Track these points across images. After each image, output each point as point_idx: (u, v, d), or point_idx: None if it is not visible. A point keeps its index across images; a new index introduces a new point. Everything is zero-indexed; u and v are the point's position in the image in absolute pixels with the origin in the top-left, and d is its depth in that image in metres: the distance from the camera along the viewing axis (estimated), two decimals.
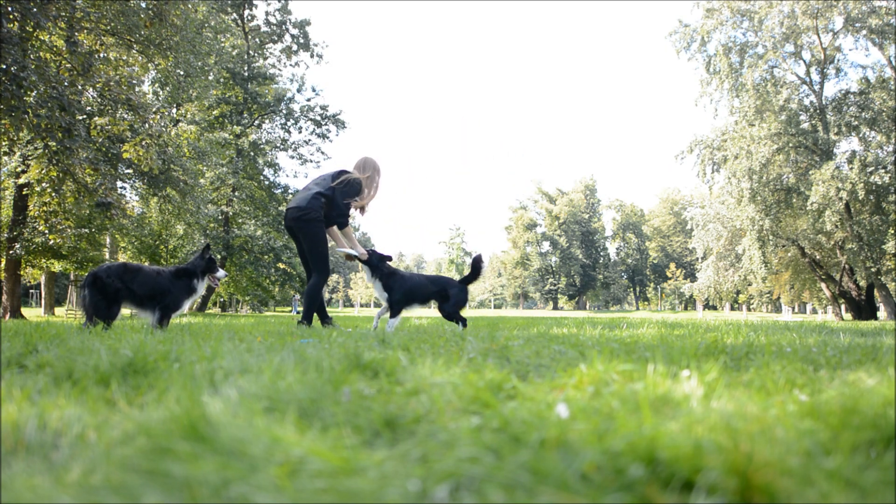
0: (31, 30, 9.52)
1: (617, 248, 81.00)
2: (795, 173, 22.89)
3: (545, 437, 0.98)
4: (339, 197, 5.34)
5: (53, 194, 12.69)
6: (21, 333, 3.41)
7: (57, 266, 19.73)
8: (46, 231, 15.80)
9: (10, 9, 9.16)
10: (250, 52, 29.91)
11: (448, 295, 5.14)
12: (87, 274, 4.52)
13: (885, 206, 21.47)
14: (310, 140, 32.43)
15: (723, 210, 29.72)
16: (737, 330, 4.62)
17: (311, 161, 32.53)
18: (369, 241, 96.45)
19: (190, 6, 12.99)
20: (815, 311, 47.72)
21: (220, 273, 5.10)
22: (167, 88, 20.66)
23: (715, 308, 66.76)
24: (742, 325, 6.07)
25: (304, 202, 5.27)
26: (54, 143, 10.08)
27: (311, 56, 31.62)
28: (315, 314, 5.42)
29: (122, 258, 26.77)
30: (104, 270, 4.53)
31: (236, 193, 29.18)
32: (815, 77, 23.58)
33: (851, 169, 20.62)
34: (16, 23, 9.43)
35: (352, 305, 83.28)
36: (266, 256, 29.94)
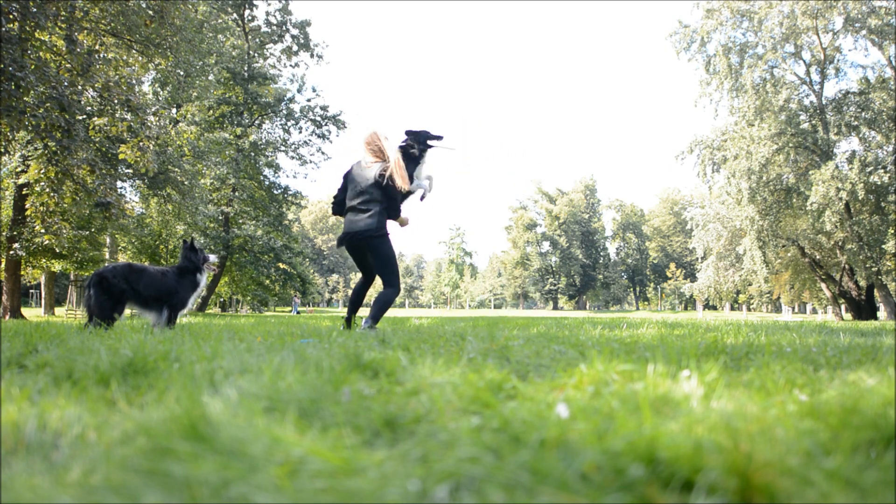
0: (30, 29, 9.51)
1: (617, 248, 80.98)
2: (795, 173, 22.89)
3: (545, 437, 0.98)
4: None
5: (52, 194, 12.68)
6: (21, 333, 3.41)
7: (57, 266, 19.74)
8: (42, 231, 15.81)
9: (9, 8, 9.15)
10: (250, 52, 29.90)
11: None
12: (92, 274, 4.54)
13: (885, 205, 21.48)
14: (310, 140, 32.43)
15: (723, 210, 29.73)
16: (737, 330, 4.62)
17: (311, 162, 32.55)
18: None
19: (190, 6, 12.98)
20: (815, 311, 47.73)
21: (212, 258, 5.18)
22: (167, 88, 20.67)
23: (715, 308, 66.76)
24: (742, 325, 6.07)
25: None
26: (53, 144, 10.07)
27: (312, 56, 31.61)
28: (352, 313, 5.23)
29: (123, 258, 26.77)
30: (110, 271, 4.54)
31: (236, 194, 29.19)
32: (815, 77, 23.59)
33: (851, 169, 20.62)
34: (16, 23, 9.43)
35: None
36: (266, 256, 29.98)
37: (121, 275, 4.53)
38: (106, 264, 4.81)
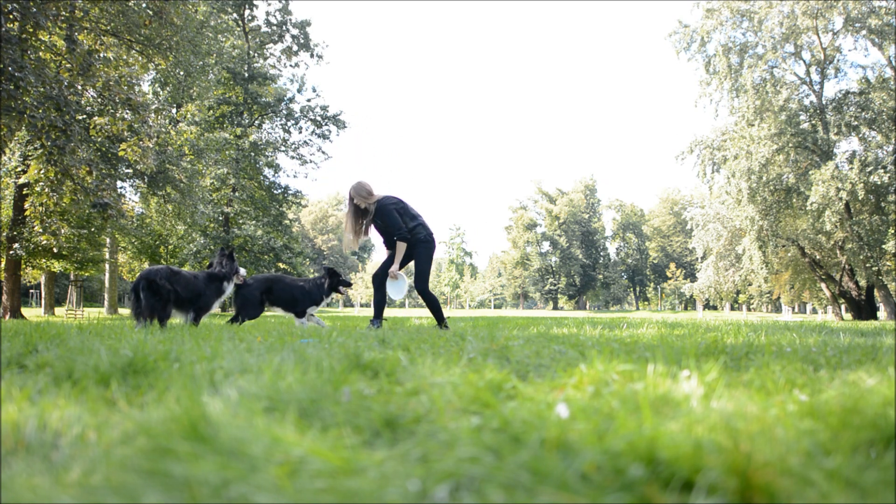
0: (31, 29, 9.51)
1: (617, 248, 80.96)
2: (795, 173, 22.89)
3: (545, 437, 0.98)
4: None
5: (52, 194, 12.69)
6: (21, 333, 3.41)
7: (57, 266, 19.73)
8: (41, 231, 15.82)
9: (9, 8, 9.15)
10: (250, 52, 29.91)
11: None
12: (139, 276, 4.64)
13: (885, 205, 21.47)
14: (310, 140, 32.45)
15: (723, 210, 29.74)
16: (737, 330, 4.61)
17: (312, 161, 32.56)
18: (369, 242, 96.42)
19: (190, 6, 12.97)
20: (815, 311, 47.71)
21: (242, 271, 5.56)
22: (167, 88, 20.68)
23: (715, 308, 66.72)
24: (742, 325, 6.07)
25: None
26: (49, 143, 10.08)
27: (312, 56, 31.63)
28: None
29: (123, 258, 26.76)
30: (157, 273, 4.65)
31: (236, 194, 29.20)
32: (815, 77, 23.58)
33: (851, 169, 20.62)
34: (16, 23, 9.43)
35: (352, 305, 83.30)
36: (266, 256, 29.98)
37: (166, 277, 4.65)
38: (149, 266, 5.09)
